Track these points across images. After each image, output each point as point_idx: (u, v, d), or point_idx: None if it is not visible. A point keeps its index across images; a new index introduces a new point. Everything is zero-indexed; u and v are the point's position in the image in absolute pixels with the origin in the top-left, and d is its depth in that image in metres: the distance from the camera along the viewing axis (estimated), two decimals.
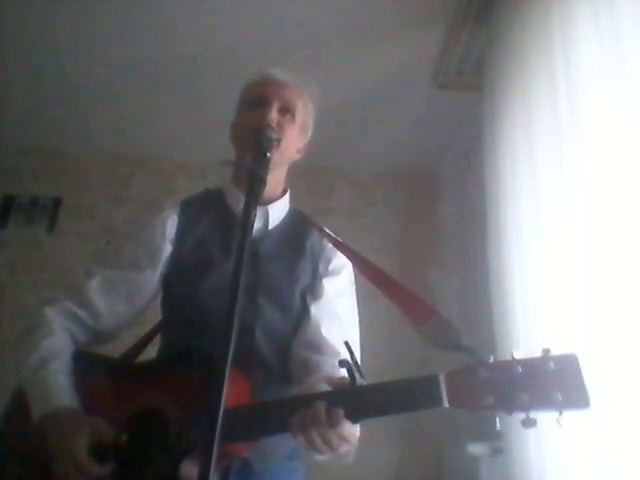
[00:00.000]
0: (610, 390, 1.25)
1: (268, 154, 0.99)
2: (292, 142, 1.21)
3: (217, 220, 1.22)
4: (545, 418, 0.71)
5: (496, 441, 2.09)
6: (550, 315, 1.60)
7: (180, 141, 3.40)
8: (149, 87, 2.93)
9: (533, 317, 1.71)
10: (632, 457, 1.23)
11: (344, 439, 0.80)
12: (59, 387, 1.00)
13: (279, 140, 1.08)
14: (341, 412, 0.78)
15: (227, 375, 0.71)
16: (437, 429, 2.87)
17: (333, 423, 0.78)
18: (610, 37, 1.41)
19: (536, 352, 0.75)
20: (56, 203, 3.42)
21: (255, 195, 0.90)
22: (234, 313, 0.76)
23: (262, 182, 0.93)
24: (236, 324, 0.75)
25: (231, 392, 0.69)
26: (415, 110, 2.98)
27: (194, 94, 2.95)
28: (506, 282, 1.88)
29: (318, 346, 1.09)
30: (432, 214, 3.49)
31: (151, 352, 1.25)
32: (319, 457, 0.85)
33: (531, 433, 1.66)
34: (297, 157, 1.27)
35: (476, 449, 2.28)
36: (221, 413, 0.68)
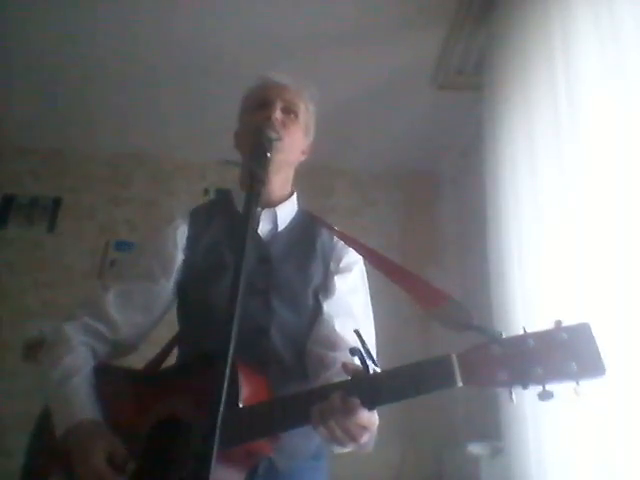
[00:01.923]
0: (610, 389, 1.25)
1: (268, 154, 1.00)
2: (297, 142, 1.22)
3: (226, 224, 1.22)
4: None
5: (496, 441, 2.10)
6: (550, 314, 1.60)
7: (180, 141, 3.40)
8: (149, 87, 2.93)
9: (533, 316, 1.71)
10: (632, 457, 1.23)
11: (363, 427, 0.79)
12: (80, 402, 1.02)
13: (280, 139, 1.09)
14: (357, 401, 0.78)
15: (227, 374, 0.72)
16: (437, 429, 2.87)
17: (350, 412, 0.78)
18: (610, 37, 1.41)
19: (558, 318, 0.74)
20: (56, 203, 3.42)
21: (255, 195, 0.91)
22: (234, 312, 0.76)
23: (262, 183, 0.94)
24: (236, 323, 0.76)
25: (250, 391, 0.69)
26: (415, 110, 2.98)
27: (194, 94, 2.95)
28: (506, 281, 1.88)
29: (333, 342, 1.09)
30: (432, 214, 3.49)
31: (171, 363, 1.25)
32: (341, 449, 0.84)
33: (531, 433, 1.66)
34: (302, 158, 1.28)
35: (476, 449, 2.29)
36: (220, 413, 0.69)
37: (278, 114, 1.16)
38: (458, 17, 2.35)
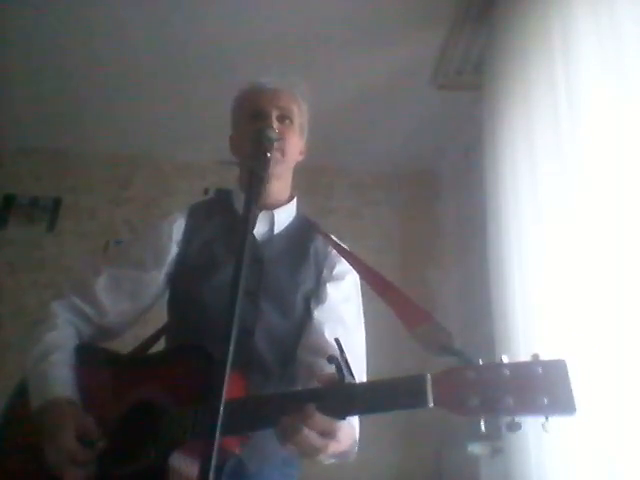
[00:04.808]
0: (610, 390, 1.25)
1: (268, 154, 1.01)
2: (294, 146, 1.24)
3: (223, 222, 1.23)
4: (532, 423, 0.71)
5: (496, 441, 2.09)
6: (550, 314, 1.60)
7: (180, 141, 3.39)
8: (149, 87, 2.93)
9: (533, 316, 1.70)
10: (632, 457, 1.23)
11: (326, 436, 0.78)
12: (57, 378, 1.02)
13: (279, 139, 1.09)
14: (311, 407, 0.77)
15: (227, 376, 0.72)
16: (437, 429, 2.86)
17: (303, 418, 0.76)
18: (610, 37, 1.41)
19: (535, 351, 0.75)
20: (56, 203, 3.42)
21: (255, 195, 0.91)
22: (234, 314, 0.77)
23: (262, 182, 0.94)
24: (236, 324, 0.76)
25: (227, 391, 0.69)
26: (415, 110, 2.98)
27: (194, 94, 2.95)
28: (506, 281, 1.88)
29: (322, 349, 1.08)
30: (432, 214, 3.49)
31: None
32: (322, 460, 0.83)
33: (531, 433, 1.66)
34: (300, 158, 1.29)
35: (476, 449, 2.28)
36: (221, 413, 0.68)
37: (275, 124, 1.17)
38: (458, 17, 2.35)
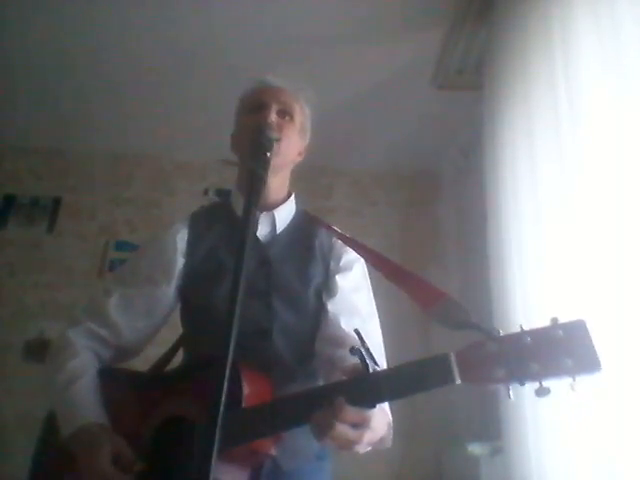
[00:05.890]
0: (609, 389, 1.25)
1: (268, 154, 1.00)
2: (292, 144, 1.22)
3: (225, 228, 1.23)
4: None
5: (496, 441, 2.10)
6: (550, 314, 1.60)
7: (180, 141, 3.40)
8: (149, 87, 2.93)
9: (534, 316, 1.70)
10: (632, 457, 1.23)
11: (359, 427, 0.79)
12: (85, 404, 1.02)
13: (279, 139, 1.09)
14: (341, 400, 0.77)
15: (226, 375, 0.72)
16: (437, 429, 2.87)
17: (335, 413, 0.77)
18: (610, 36, 1.41)
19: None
20: (56, 203, 3.42)
21: (255, 195, 0.91)
22: (234, 313, 0.77)
23: (262, 181, 0.94)
24: (236, 324, 0.76)
25: (252, 391, 0.69)
26: (415, 110, 2.98)
27: (194, 94, 2.95)
28: (506, 281, 1.88)
29: (340, 340, 1.09)
30: (432, 214, 3.49)
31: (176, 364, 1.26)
32: (358, 450, 0.83)
33: (531, 433, 1.66)
34: (299, 160, 1.29)
35: (476, 449, 2.29)
36: (221, 413, 0.69)
37: (274, 117, 1.17)
38: (458, 17, 2.35)
